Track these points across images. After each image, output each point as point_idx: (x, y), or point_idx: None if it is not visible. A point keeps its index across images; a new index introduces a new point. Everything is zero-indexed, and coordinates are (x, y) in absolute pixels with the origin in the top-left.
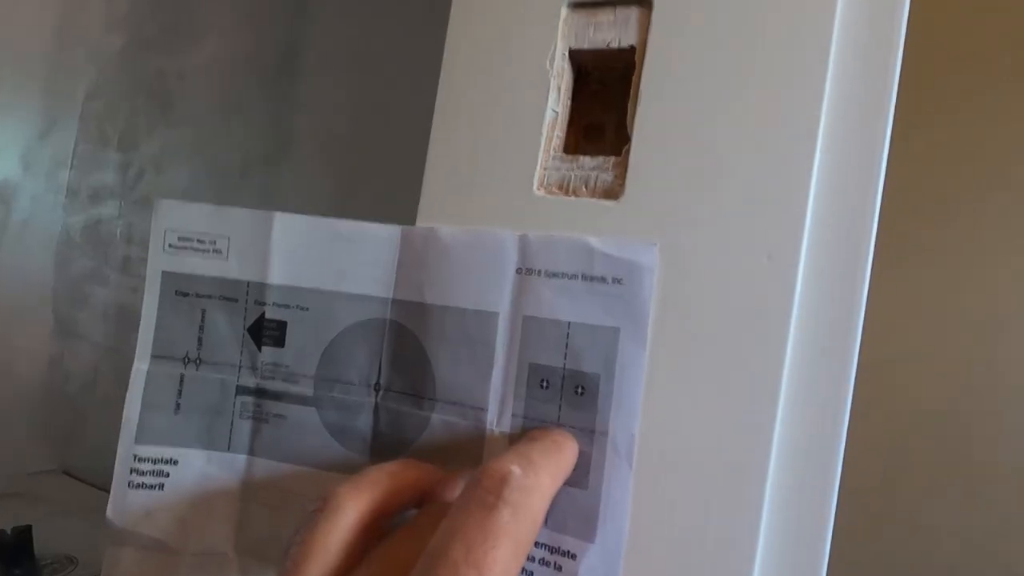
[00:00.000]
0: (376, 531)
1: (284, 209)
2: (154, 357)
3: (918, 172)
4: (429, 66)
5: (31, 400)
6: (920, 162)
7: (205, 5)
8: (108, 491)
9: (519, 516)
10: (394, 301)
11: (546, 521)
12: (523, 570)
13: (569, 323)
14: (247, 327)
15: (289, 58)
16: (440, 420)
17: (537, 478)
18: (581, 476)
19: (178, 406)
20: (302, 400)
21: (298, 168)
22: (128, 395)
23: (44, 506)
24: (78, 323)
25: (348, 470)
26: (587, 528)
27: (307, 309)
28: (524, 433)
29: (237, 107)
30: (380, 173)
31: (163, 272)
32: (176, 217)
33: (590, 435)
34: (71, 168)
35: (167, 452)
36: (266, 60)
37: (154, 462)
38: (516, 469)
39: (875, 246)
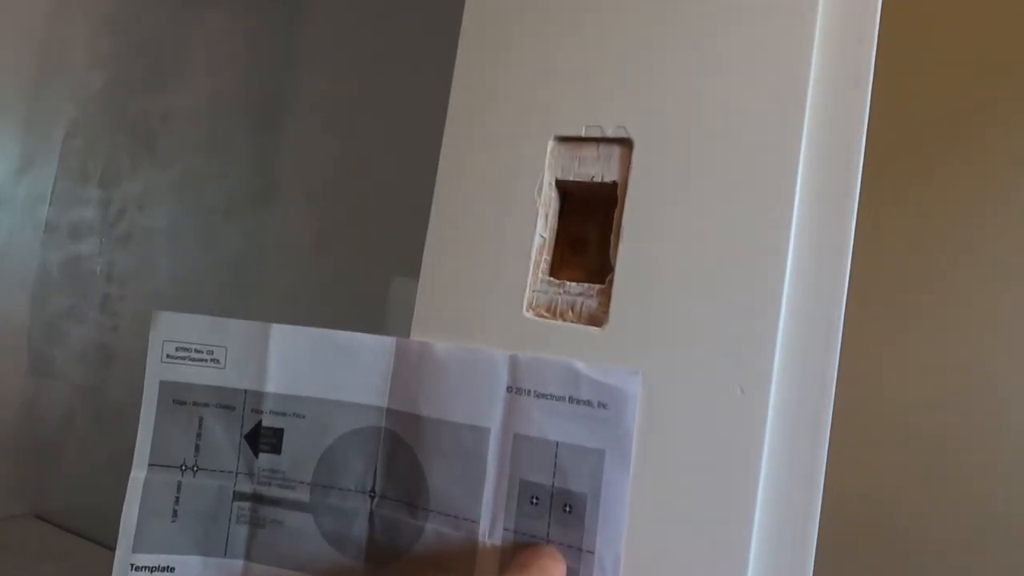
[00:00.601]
0: None
1: (268, 251)
2: (151, 466)
3: (888, 250)
4: (418, 113)
5: (3, 442)
6: (889, 237)
7: (191, 46)
8: (83, 536)
9: None
10: (389, 410)
11: None
12: None
13: (557, 443)
14: (244, 434)
15: (275, 101)
16: (433, 530)
17: None
18: None
19: (175, 513)
20: (298, 506)
21: (282, 210)
22: (125, 504)
23: (16, 554)
24: (54, 362)
25: None
26: None
27: (304, 417)
28: (514, 549)
29: (222, 148)
30: (365, 217)
31: (161, 382)
32: (174, 328)
33: (578, 553)
34: (50, 204)
35: (164, 560)
36: (252, 102)
37: (151, 570)
38: None
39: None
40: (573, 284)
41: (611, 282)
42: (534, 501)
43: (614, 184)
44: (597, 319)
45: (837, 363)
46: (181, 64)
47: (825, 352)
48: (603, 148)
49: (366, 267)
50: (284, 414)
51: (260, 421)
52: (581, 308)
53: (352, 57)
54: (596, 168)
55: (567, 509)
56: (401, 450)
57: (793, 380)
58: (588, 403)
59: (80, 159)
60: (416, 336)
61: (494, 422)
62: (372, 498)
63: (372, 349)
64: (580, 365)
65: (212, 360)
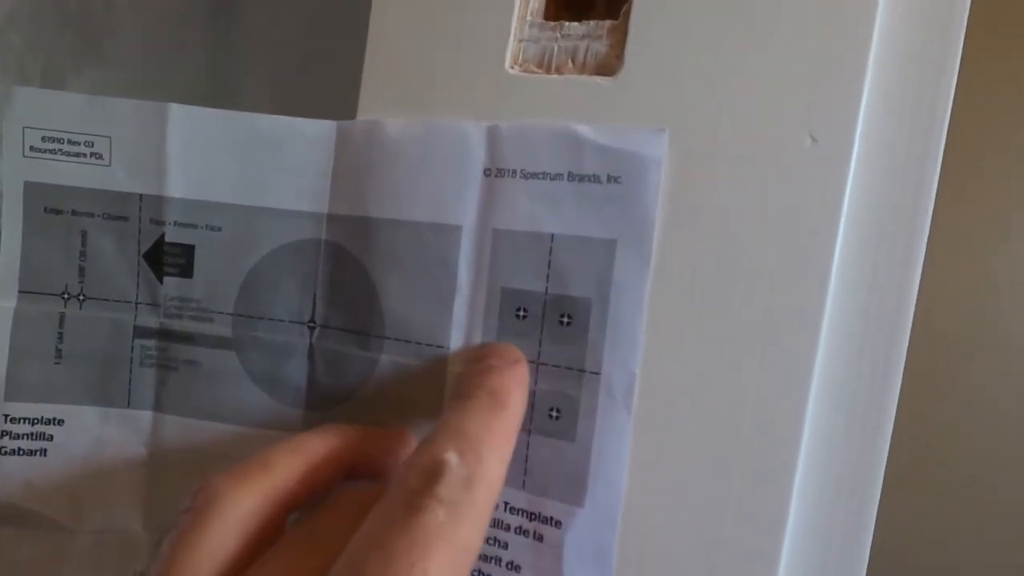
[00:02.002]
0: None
1: None
2: (23, 293)
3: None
4: None
5: None
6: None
7: None
8: None
9: (459, 516)
10: (330, 217)
11: (524, 482)
12: (496, 541)
13: (552, 236)
14: (143, 253)
15: None
16: (390, 362)
17: (480, 463)
18: (568, 426)
19: (59, 353)
20: (218, 342)
21: (243, 109)
22: None
23: None
24: None
25: (280, 426)
26: (575, 489)
27: (219, 229)
28: (457, 371)
29: (175, 44)
30: (332, 115)
31: (26, 183)
32: (38, 109)
33: (579, 375)
34: None
35: (48, 410)
36: None
37: (32, 423)
38: (452, 457)
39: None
40: (575, 24)
41: (627, 14)
42: (521, 314)
43: None
44: (607, 67)
45: (953, 87)
46: None
47: (936, 76)
48: None
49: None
50: (194, 226)
51: (163, 235)
52: (585, 55)
53: None
54: None
55: (565, 321)
56: (347, 266)
57: (888, 125)
58: (594, 179)
59: (19, 57)
60: (364, 114)
61: (467, 217)
62: (312, 329)
63: (307, 137)
64: (583, 129)
65: (93, 155)
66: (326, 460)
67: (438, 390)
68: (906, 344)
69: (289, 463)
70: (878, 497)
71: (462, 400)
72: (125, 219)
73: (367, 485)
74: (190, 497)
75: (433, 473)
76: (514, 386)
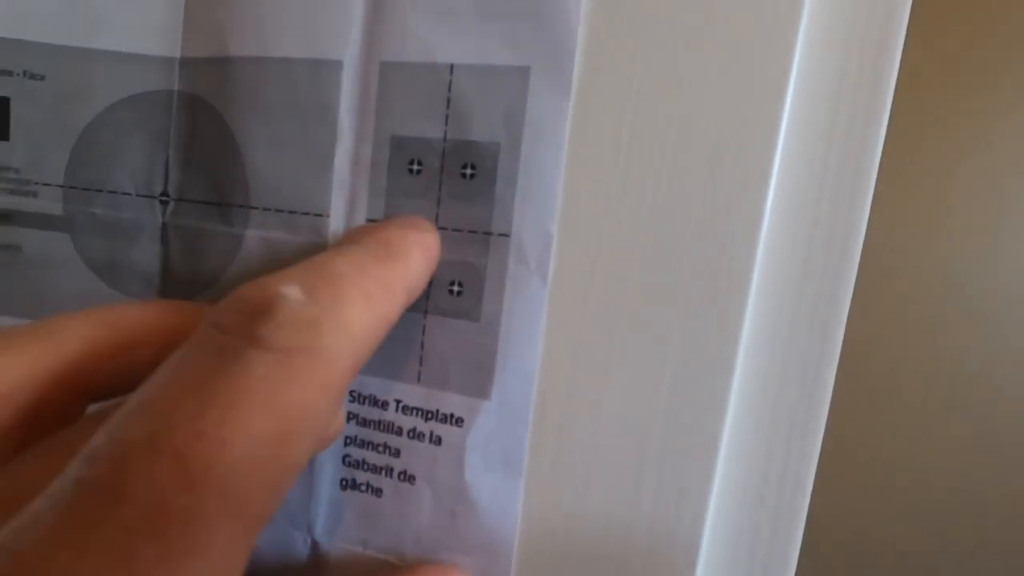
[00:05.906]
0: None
1: None
2: None
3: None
4: None
5: None
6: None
7: None
8: None
9: (289, 370)
10: (183, 61)
11: (419, 375)
12: (387, 448)
13: (451, 67)
14: None
15: None
16: (258, 238)
17: (338, 305)
18: (471, 302)
19: None
20: (46, 222)
21: None
22: None
23: None
24: None
25: None
26: (479, 379)
27: (42, 78)
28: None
29: None
30: None
31: None
32: None
33: (484, 239)
34: None
35: None
36: None
37: None
38: (292, 291)
39: None
40: None
41: None
42: (415, 168)
43: None
44: None
45: None
46: None
47: None
48: None
49: None
50: (8, 73)
51: None
52: None
53: None
54: None
55: (467, 173)
56: (204, 121)
57: None
58: None
59: None
60: None
61: (348, 49)
62: (164, 204)
63: None
64: None
65: None
66: (148, 333)
67: None
68: (861, 239)
69: (81, 332)
70: (829, 390)
71: (339, 244)
72: None
73: None
74: None
75: (259, 309)
76: (414, 246)
